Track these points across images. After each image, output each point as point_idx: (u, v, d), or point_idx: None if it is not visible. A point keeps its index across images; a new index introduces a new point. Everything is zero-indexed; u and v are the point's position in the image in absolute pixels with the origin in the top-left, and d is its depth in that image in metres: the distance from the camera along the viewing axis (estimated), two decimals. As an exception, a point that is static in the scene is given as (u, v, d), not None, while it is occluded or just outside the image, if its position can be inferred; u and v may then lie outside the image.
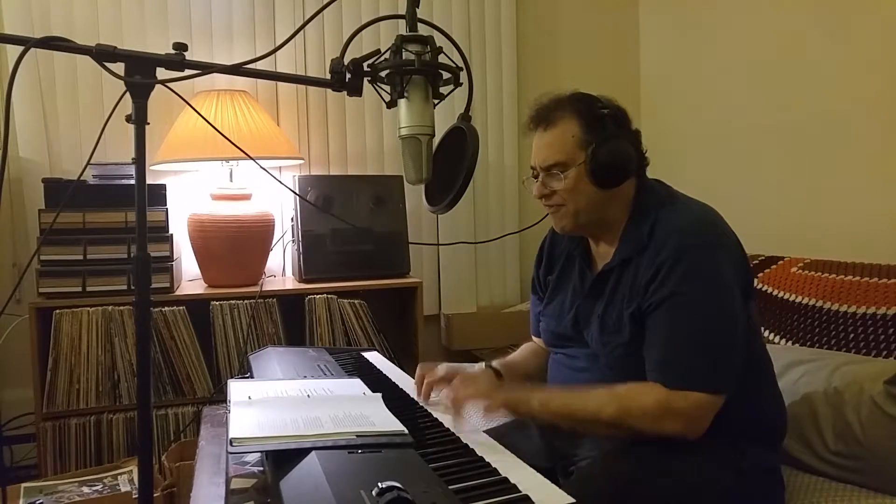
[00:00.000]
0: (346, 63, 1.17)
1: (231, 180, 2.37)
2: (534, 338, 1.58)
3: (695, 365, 1.17)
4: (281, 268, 2.68)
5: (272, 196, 2.61)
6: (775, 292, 1.86)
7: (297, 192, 2.40)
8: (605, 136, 1.26)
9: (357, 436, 1.03)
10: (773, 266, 1.93)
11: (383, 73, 1.20)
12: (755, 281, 1.90)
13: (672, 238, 1.22)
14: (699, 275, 1.20)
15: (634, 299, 1.24)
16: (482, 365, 1.47)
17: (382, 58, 1.19)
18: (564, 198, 1.30)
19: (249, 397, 1.22)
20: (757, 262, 1.97)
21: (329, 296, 2.31)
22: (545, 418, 1.20)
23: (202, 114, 1.80)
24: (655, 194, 1.32)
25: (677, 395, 1.16)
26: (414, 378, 1.42)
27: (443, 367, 1.37)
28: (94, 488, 1.87)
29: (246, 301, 2.23)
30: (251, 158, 1.39)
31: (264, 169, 1.47)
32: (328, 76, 1.19)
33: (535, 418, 1.19)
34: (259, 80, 2.57)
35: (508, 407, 1.12)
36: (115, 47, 1.08)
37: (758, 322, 1.47)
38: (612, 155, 1.26)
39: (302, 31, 2.09)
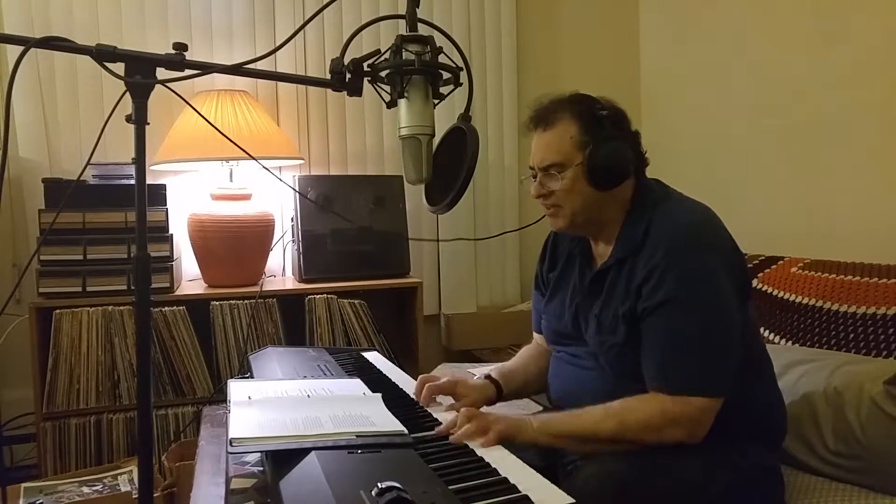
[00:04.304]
0: (346, 63, 1.17)
1: (231, 180, 2.37)
2: (535, 334, 1.58)
3: (694, 369, 1.17)
4: (281, 268, 2.68)
5: (272, 196, 2.61)
6: (775, 292, 1.85)
7: (298, 192, 2.40)
8: (602, 137, 1.26)
9: (357, 436, 1.03)
10: (773, 266, 1.92)
11: (383, 73, 1.20)
12: (755, 281, 1.91)
13: (664, 241, 1.22)
14: (692, 279, 1.19)
15: (628, 300, 1.24)
16: (482, 376, 1.47)
17: (382, 58, 1.19)
18: (561, 198, 1.30)
19: (249, 397, 1.22)
20: (757, 262, 1.97)
21: (329, 296, 2.31)
22: (545, 443, 1.20)
23: (202, 114, 1.80)
24: (652, 194, 1.32)
25: (678, 401, 1.16)
26: (413, 378, 1.42)
27: (444, 374, 1.37)
28: (94, 488, 1.87)
29: (246, 301, 2.23)
30: (253, 158, 1.39)
31: (267, 169, 1.47)
32: (328, 76, 1.19)
33: (535, 445, 1.19)
34: (259, 80, 2.57)
35: (505, 437, 1.13)
36: (115, 47, 1.08)
37: (756, 322, 1.46)
38: (608, 156, 1.26)
39: (302, 31, 2.09)
